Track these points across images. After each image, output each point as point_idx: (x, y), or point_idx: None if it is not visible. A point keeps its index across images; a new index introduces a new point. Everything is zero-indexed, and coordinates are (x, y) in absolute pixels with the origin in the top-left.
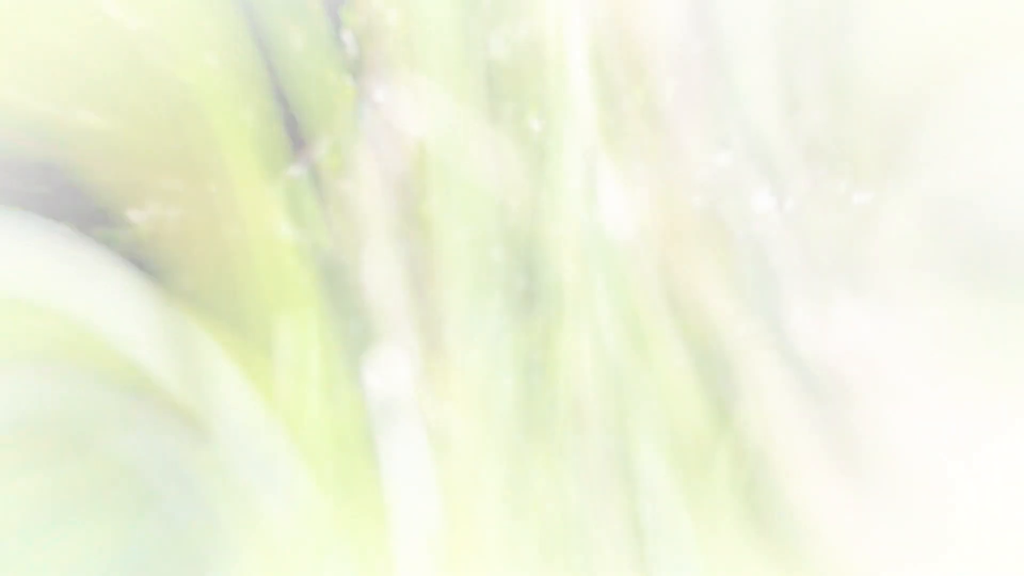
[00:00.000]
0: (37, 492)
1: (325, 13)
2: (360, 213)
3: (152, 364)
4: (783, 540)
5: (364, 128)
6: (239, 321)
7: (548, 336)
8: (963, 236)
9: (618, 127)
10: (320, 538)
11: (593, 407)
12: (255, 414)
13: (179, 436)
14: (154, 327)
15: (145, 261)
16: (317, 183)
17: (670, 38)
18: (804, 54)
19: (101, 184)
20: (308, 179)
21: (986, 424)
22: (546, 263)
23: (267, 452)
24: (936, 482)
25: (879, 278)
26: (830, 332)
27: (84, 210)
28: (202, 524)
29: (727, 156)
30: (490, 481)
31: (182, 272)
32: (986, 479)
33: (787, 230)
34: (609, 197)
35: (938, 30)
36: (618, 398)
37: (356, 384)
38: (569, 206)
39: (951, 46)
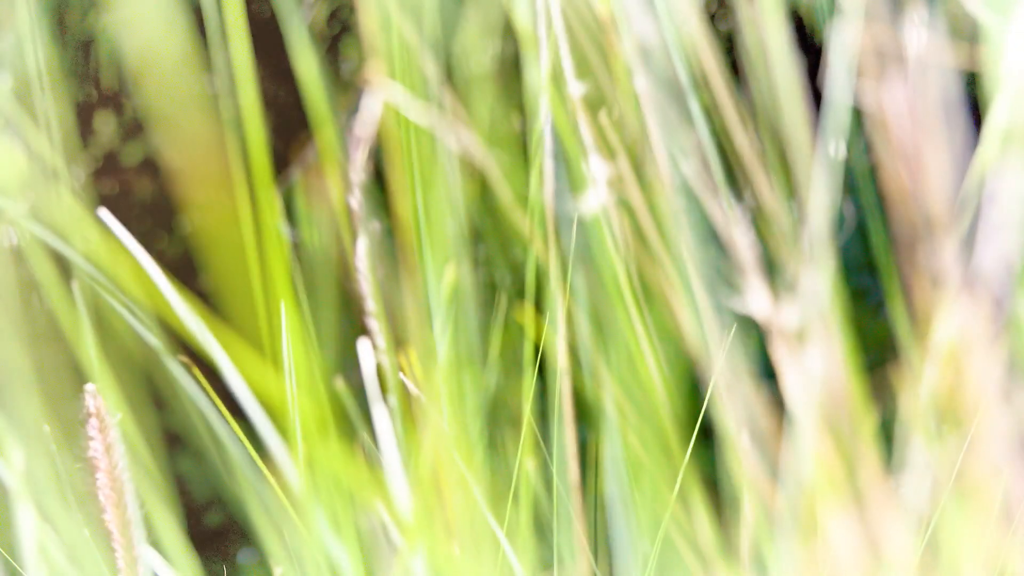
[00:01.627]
0: (160, 427)
1: (328, 46)
2: (345, 213)
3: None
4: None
5: (352, 137)
6: (235, 314)
7: (523, 330)
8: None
9: (595, 133)
10: (304, 512)
11: (566, 397)
12: (249, 400)
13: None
14: (185, 319)
15: (178, 264)
16: (307, 187)
17: (637, 52)
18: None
19: (166, 201)
20: (300, 184)
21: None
22: (523, 259)
23: (263, 433)
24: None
25: (801, 270)
26: (777, 313)
27: (147, 224)
28: (246, 473)
29: (691, 164)
30: (464, 468)
31: (198, 271)
32: None
33: (744, 230)
34: (586, 196)
35: None
36: (590, 387)
37: (339, 374)
38: (546, 203)
39: None
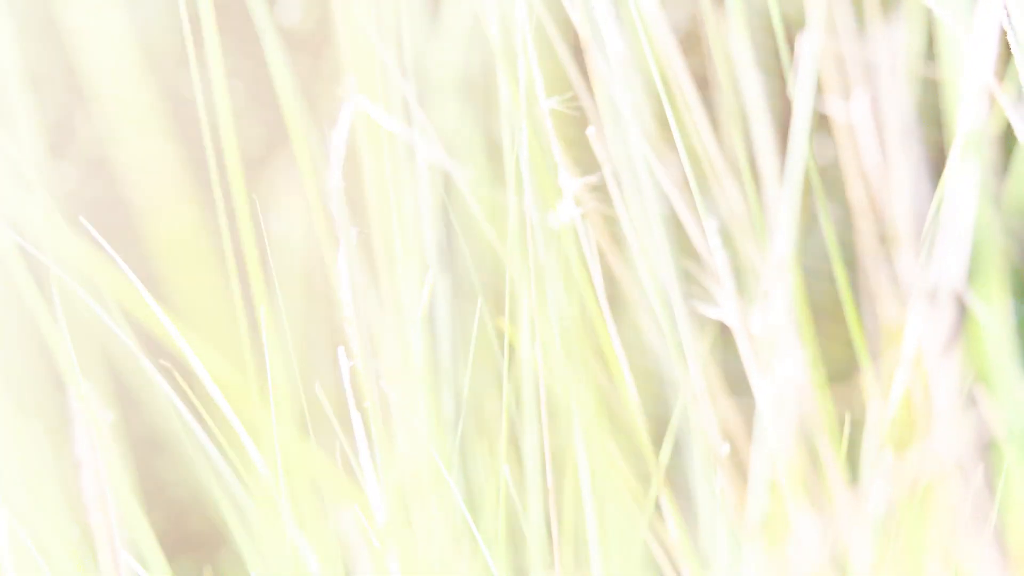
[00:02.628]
0: (140, 432)
1: (314, 53)
2: (323, 219)
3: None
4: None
5: (331, 144)
6: (213, 320)
7: (496, 333)
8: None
9: (566, 145)
10: (279, 518)
11: (539, 402)
12: (226, 405)
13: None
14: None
15: (155, 269)
16: (286, 192)
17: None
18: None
19: (141, 206)
20: (278, 189)
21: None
22: (496, 263)
23: (240, 438)
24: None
25: (768, 275)
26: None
27: (124, 229)
28: (224, 478)
29: (664, 174)
30: (442, 473)
31: (174, 276)
32: None
33: (716, 239)
34: (557, 207)
35: None
36: (562, 393)
37: (316, 381)
38: (521, 209)
39: None
